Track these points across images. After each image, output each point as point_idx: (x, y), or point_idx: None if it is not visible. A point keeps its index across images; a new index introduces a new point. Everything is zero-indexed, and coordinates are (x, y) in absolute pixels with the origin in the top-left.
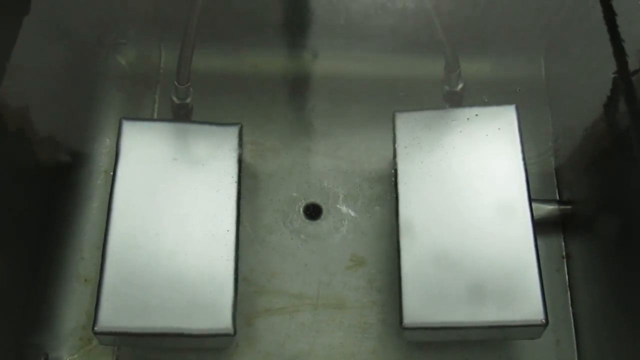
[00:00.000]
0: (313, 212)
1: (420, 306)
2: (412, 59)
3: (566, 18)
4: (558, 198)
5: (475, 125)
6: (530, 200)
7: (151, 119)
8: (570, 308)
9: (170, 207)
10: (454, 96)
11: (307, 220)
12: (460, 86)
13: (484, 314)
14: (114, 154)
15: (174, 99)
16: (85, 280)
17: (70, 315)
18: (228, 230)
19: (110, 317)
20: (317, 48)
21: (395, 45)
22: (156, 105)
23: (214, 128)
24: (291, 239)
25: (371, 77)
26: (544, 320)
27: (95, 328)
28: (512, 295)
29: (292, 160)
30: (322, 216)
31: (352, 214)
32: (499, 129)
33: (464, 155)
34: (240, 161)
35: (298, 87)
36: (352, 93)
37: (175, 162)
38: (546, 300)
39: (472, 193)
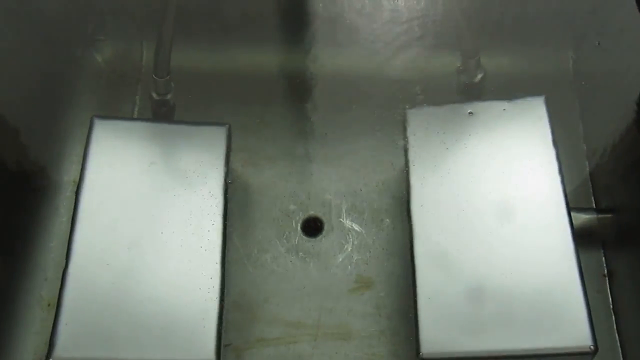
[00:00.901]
0: (313, 227)
1: (441, 333)
2: (424, 54)
3: (596, 5)
4: (595, 206)
5: (499, 121)
6: (569, 207)
7: (127, 118)
8: (617, 335)
9: (145, 219)
10: (473, 88)
11: (306, 237)
12: (479, 76)
13: (518, 341)
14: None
15: (153, 94)
16: (49, 304)
17: (29, 345)
18: (213, 247)
19: (70, 345)
20: (317, 44)
21: (405, 39)
22: (136, 108)
23: (198, 129)
24: (288, 258)
25: (378, 75)
26: (592, 347)
27: (51, 358)
28: (552, 318)
29: (289, 169)
30: (323, 232)
31: (357, 229)
32: (526, 124)
33: (487, 156)
34: (228, 166)
35: (296, 88)
36: (357, 93)
37: (153, 166)
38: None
39: (498, 200)
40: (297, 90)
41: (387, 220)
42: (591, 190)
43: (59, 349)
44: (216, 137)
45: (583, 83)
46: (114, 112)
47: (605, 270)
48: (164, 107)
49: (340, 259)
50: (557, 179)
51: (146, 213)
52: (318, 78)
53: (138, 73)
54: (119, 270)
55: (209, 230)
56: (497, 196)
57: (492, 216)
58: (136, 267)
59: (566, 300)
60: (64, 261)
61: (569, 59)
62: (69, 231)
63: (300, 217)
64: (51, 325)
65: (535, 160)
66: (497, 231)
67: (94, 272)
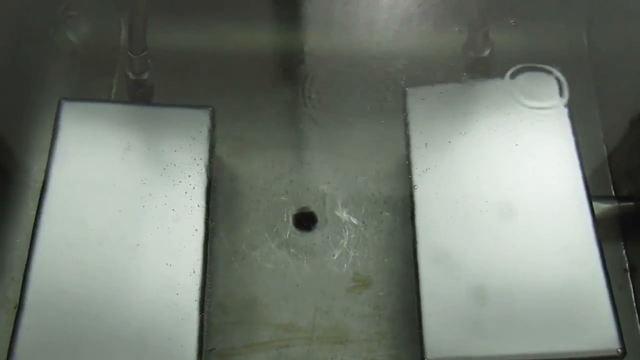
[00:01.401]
0: (306, 220)
1: (448, 336)
2: (427, 29)
3: None
4: (614, 193)
5: (509, 100)
6: (590, 195)
7: (99, 100)
8: None
9: (119, 211)
10: (480, 64)
11: (299, 231)
12: (487, 51)
13: (535, 344)
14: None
15: (129, 74)
16: (15, 306)
17: None
18: (195, 243)
19: (31, 353)
20: (311, 21)
21: (406, 14)
22: (113, 91)
23: (178, 112)
24: (279, 254)
25: (377, 55)
26: (620, 350)
27: None
28: (573, 318)
29: (279, 157)
30: (317, 225)
31: (354, 222)
32: (539, 103)
33: (496, 139)
34: (212, 154)
35: (287, 69)
36: (354, 74)
37: (128, 154)
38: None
39: (511, 188)
40: (288, 72)
41: (387, 213)
42: (610, 177)
43: (19, 357)
44: (198, 121)
45: (598, 60)
46: (89, 96)
47: (627, 265)
48: (141, 88)
49: (336, 256)
50: (576, 164)
51: (120, 205)
52: (311, 58)
53: (115, 54)
54: (89, 269)
55: (190, 224)
56: (509, 184)
57: (504, 207)
58: (108, 266)
59: (589, 299)
60: None
61: (583, 36)
62: None
63: (292, 210)
64: None
65: (551, 143)
66: (509, 224)
67: (61, 271)
